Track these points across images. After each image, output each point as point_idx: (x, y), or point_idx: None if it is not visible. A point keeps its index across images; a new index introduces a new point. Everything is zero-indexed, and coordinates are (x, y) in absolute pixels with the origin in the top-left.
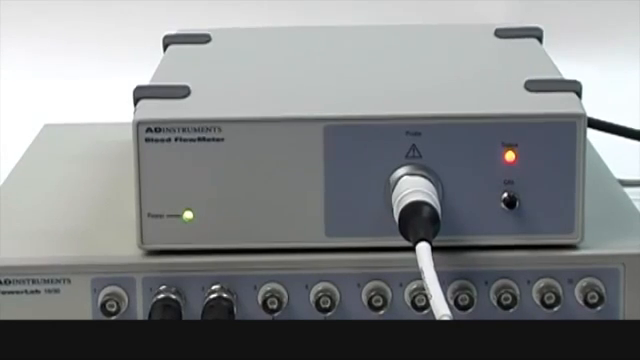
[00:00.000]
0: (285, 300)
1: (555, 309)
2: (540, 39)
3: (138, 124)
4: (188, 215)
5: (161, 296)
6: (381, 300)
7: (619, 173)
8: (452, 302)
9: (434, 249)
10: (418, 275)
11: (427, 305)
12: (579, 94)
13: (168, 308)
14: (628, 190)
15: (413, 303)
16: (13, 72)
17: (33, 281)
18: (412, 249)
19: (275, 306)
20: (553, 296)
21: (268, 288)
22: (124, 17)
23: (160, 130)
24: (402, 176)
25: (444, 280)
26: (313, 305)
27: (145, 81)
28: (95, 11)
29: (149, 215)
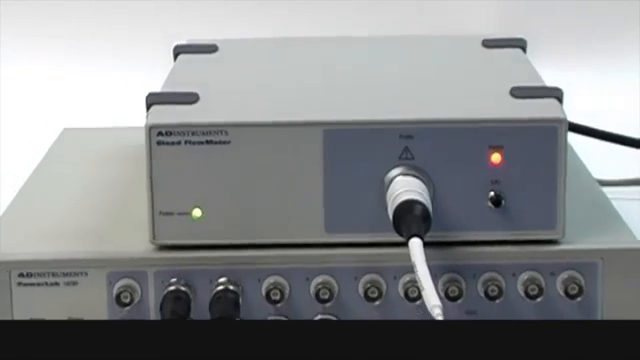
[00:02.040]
0: (287, 292)
1: (538, 300)
2: (524, 49)
3: (150, 128)
4: (197, 213)
5: (171, 288)
6: (376, 292)
7: (598, 173)
8: (442, 293)
9: (426, 244)
10: (411, 268)
11: (419, 296)
12: (560, 100)
13: (178, 300)
14: (606, 189)
15: (406, 294)
16: (32, 81)
17: (53, 274)
18: (405, 244)
19: (278, 297)
20: (536, 288)
21: (271, 281)
22: (138, 28)
23: (171, 134)
24: (396, 176)
25: (435, 273)
26: (313, 296)
27: (157, 88)
28: (112, 24)
29: (160, 213)
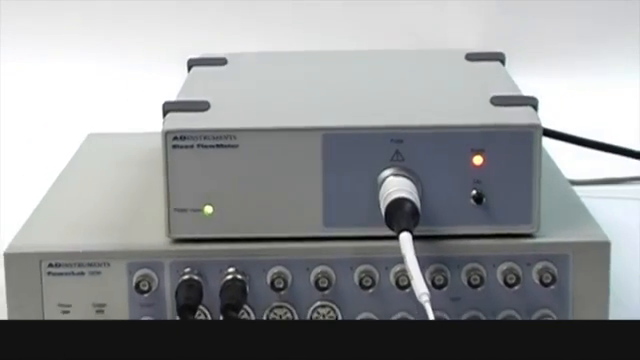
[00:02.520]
0: (289, 281)
1: (516, 288)
2: (503, 62)
3: (166, 133)
4: (208, 209)
5: (185, 277)
6: (370, 280)
7: (569, 174)
8: (430, 282)
9: (414, 238)
10: (401, 259)
11: (409, 285)
12: (535, 107)
13: (191, 287)
14: (576, 188)
15: (397, 283)
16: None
17: (79, 264)
18: (396, 238)
19: (281, 286)
20: (514, 277)
21: (275, 270)
22: (157, 45)
23: (185, 138)
24: (388, 176)
25: (423, 264)
26: (313, 285)
27: (172, 97)
28: (136, 42)
29: (175, 209)
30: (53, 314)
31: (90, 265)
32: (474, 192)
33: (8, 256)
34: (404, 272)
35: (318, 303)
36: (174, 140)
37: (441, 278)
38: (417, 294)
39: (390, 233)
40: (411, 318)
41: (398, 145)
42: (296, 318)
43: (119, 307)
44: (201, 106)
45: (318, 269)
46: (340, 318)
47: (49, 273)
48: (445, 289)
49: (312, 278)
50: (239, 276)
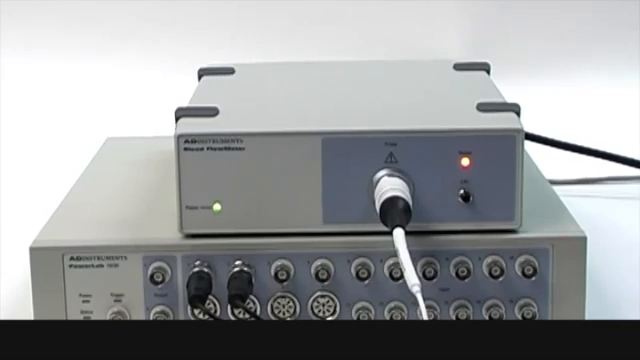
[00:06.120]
0: (292, 273)
1: (500, 279)
2: (488, 71)
3: (179, 137)
4: (217, 207)
5: (196, 269)
6: (366, 273)
7: (549, 174)
8: (421, 274)
9: (407, 233)
10: (395, 253)
11: (401, 276)
12: (518, 114)
13: (201, 279)
14: (555, 187)
15: (391, 275)
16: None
17: (98, 258)
18: (390, 233)
19: (284, 277)
20: (498, 269)
21: (279, 263)
22: (171, 56)
23: (195, 142)
24: (382, 177)
25: (414, 257)
26: (313, 276)
27: (184, 103)
28: (152, 54)
29: (187, 207)
30: (74, 303)
31: (108, 258)
32: (461, 191)
33: (33, 250)
34: (397, 265)
35: (318, 293)
36: (186, 143)
37: (431, 270)
38: (409, 285)
39: (384, 229)
40: (404, 307)
41: (392, 148)
42: (298, 307)
43: (135, 297)
44: (210, 112)
45: (318, 262)
46: (338, 307)
47: (71, 266)
48: (435, 280)
49: (312, 270)
50: (245, 268)
